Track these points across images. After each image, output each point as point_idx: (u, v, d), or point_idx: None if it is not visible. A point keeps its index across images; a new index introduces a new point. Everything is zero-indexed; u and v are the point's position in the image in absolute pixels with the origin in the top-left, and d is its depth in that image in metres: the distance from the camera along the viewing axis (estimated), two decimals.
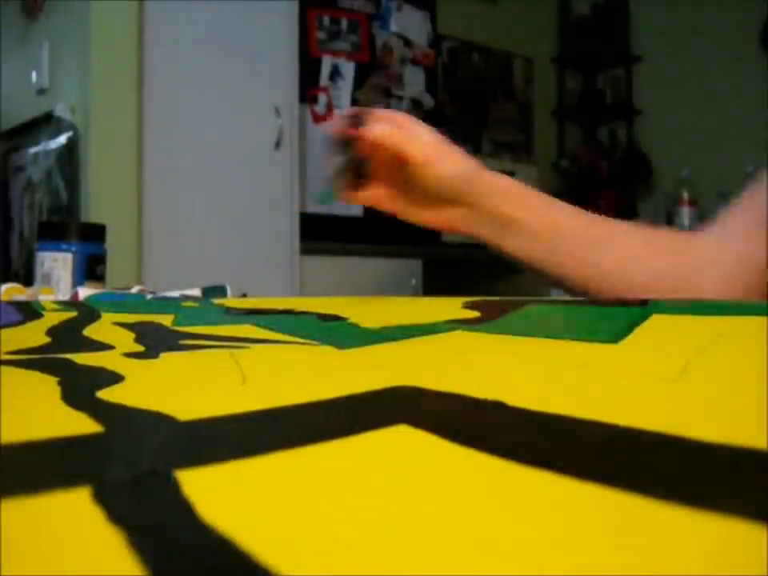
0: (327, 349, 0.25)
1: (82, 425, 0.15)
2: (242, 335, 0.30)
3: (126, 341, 0.29)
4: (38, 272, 0.73)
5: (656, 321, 0.28)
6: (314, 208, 2.39)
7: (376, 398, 0.17)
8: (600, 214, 0.56)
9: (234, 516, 0.10)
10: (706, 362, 0.19)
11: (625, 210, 3.14)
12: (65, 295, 0.68)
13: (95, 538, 0.09)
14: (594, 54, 3.61)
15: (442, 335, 0.28)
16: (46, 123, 2.09)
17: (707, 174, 2.87)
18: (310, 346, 0.26)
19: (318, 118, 2.73)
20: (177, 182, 1.93)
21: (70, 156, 2.00)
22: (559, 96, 3.67)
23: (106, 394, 0.18)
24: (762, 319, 0.25)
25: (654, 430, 0.13)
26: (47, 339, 0.30)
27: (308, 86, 2.63)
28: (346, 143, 0.54)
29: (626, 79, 3.60)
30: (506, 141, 3.41)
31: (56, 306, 0.43)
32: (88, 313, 0.39)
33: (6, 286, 0.63)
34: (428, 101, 3.08)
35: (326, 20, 2.77)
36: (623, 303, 0.33)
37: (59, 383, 0.19)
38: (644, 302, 0.32)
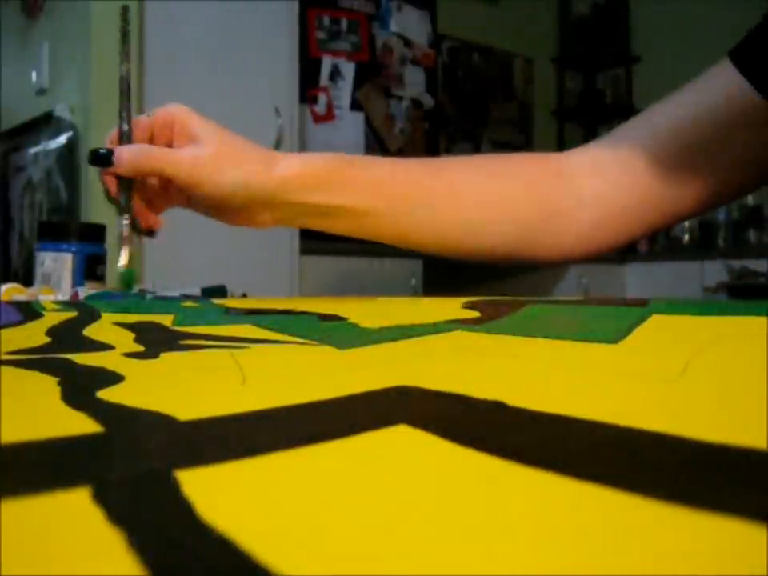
0: (327, 349, 0.26)
1: (82, 425, 0.15)
2: (242, 335, 0.30)
3: (126, 341, 0.29)
4: (38, 272, 0.73)
5: (656, 321, 0.28)
6: None
7: (376, 398, 0.17)
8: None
9: (234, 516, 0.10)
10: (705, 362, 0.19)
11: None
12: (65, 295, 0.68)
13: (95, 538, 0.09)
14: (593, 54, 3.61)
15: (441, 335, 0.28)
16: (46, 123, 2.09)
17: None
18: (310, 346, 0.26)
19: (318, 118, 2.73)
20: None
21: (69, 156, 2.00)
22: (559, 96, 3.67)
23: (106, 394, 0.18)
24: (762, 319, 0.25)
25: (653, 430, 0.13)
26: (47, 339, 0.30)
27: (308, 86, 2.63)
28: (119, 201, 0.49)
29: (626, 79, 3.61)
30: (506, 141, 3.41)
31: (56, 306, 0.43)
32: (88, 313, 0.39)
33: (6, 286, 0.63)
34: (428, 101, 3.08)
35: (326, 20, 2.77)
36: (623, 303, 0.33)
37: (59, 383, 0.19)
38: (644, 302, 0.32)
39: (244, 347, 0.26)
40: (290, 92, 2.25)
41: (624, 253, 3.04)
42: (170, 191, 0.52)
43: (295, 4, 2.27)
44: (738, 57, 0.49)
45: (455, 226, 0.52)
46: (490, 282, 2.77)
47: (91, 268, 0.74)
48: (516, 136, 3.47)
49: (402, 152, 2.96)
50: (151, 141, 0.50)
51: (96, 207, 1.85)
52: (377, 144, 2.91)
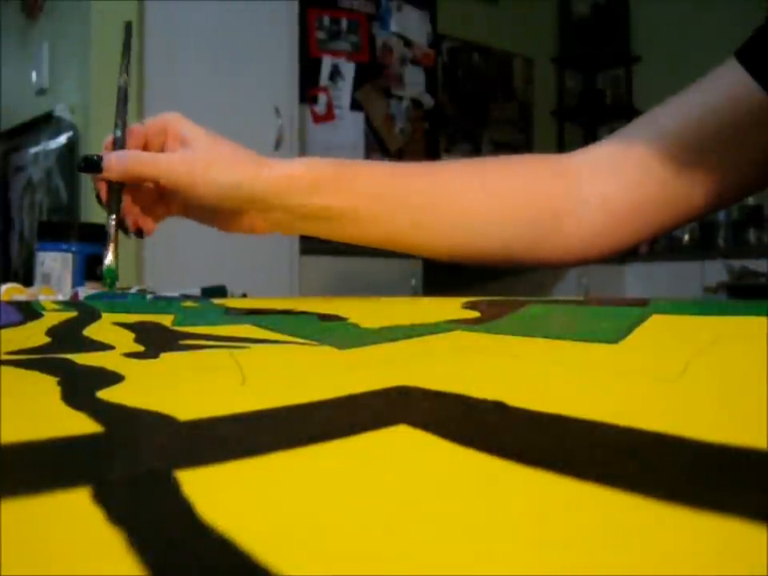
0: (327, 349, 0.26)
1: (82, 425, 0.15)
2: (242, 335, 0.30)
3: (126, 341, 0.29)
4: (38, 272, 0.73)
5: (656, 321, 0.28)
6: None
7: (376, 398, 0.17)
8: None
9: (234, 516, 0.10)
10: (705, 362, 0.19)
11: None
12: (65, 295, 0.68)
13: (95, 538, 0.09)
14: (593, 54, 3.61)
15: (441, 335, 0.28)
16: (46, 123, 2.09)
17: None
18: (310, 346, 0.26)
19: (318, 118, 2.73)
20: None
21: (69, 156, 2.00)
22: (559, 96, 3.67)
23: (106, 394, 0.18)
24: (762, 319, 0.25)
25: (653, 430, 0.13)
26: (47, 339, 0.30)
27: (308, 86, 2.63)
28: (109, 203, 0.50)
29: (626, 79, 3.61)
30: (506, 141, 3.41)
31: (56, 306, 0.43)
32: (88, 313, 0.39)
33: (5, 286, 0.63)
34: (428, 101, 3.08)
35: (326, 20, 2.77)
36: (623, 303, 0.33)
37: (59, 383, 0.19)
38: (644, 302, 0.32)
39: (244, 347, 0.26)
40: (290, 92, 2.25)
41: (624, 253, 3.04)
42: (166, 198, 0.52)
43: (295, 4, 2.27)
44: (746, 56, 0.48)
45: (455, 230, 0.52)
46: (490, 282, 2.77)
47: (91, 268, 0.74)
48: (516, 136, 3.47)
49: (401, 152, 2.96)
50: (145, 148, 0.51)
51: (96, 207, 1.85)
52: (377, 144, 2.91)
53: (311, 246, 2.27)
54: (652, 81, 3.39)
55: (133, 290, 0.65)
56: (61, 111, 2.01)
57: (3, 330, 0.33)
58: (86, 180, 1.92)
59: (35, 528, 0.09)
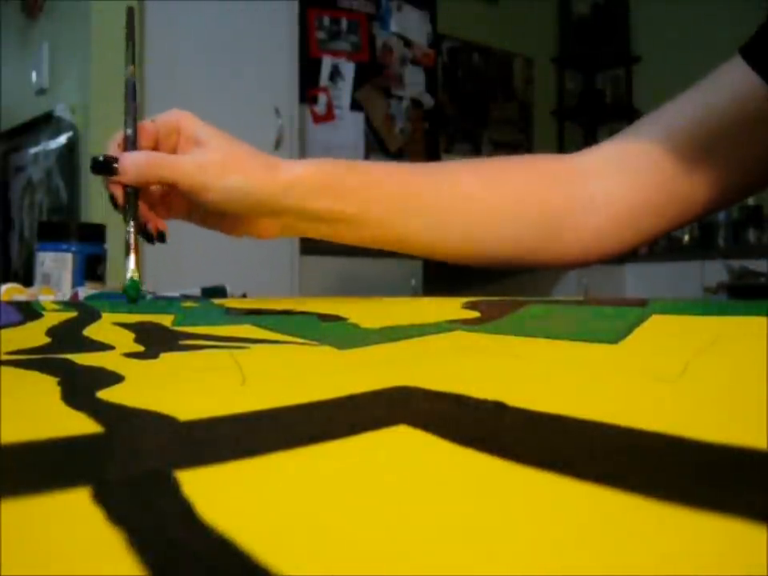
0: (327, 349, 0.26)
1: (82, 425, 0.15)
2: (242, 335, 0.30)
3: (126, 341, 0.29)
4: (38, 272, 0.73)
5: (656, 321, 0.28)
6: None
7: (376, 398, 0.17)
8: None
9: (234, 516, 0.10)
10: (705, 362, 0.19)
11: None
12: (65, 295, 0.68)
13: (95, 538, 0.09)
14: (593, 54, 3.61)
15: (442, 335, 0.28)
16: (46, 123, 2.09)
17: None
18: (310, 346, 0.26)
19: (318, 118, 2.73)
20: None
21: (69, 156, 2.00)
22: (559, 96, 3.67)
23: (106, 394, 0.18)
24: (762, 319, 0.25)
25: (654, 430, 0.13)
26: (47, 339, 0.30)
27: (308, 86, 2.63)
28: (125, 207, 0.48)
29: (626, 79, 3.61)
30: (506, 141, 3.41)
31: (56, 306, 0.43)
32: (88, 313, 0.39)
33: (6, 286, 0.63)
34: (428, 101, 3.08)
35: (326, 20, 2.77)
36: (623, 303, 0.33)
37: (59, 383, 0.19)
38: (644, 302, 0.32)
39: (244, 347, 0.26)
40: (290, 92, 2.25)
41: (625, 253, 3.04)
42: (170, 199, 0.52)
43: (295, 4, 2.27)
44: (750, 53, 0.48)
45: (466, 231, 0.52)
46: (490, 282, 2.77)
47: (91, 268, 0.74)
48: (516, 136, 3.47)
49: (401, 152, 2.96)
50: (156, 147, 0.50)
51: (96, 207, 1.85)
52: (377, 144, 2.91)
53: (311, 246, 2.27)
54: (652, 81, 3.40)
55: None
56: (61, 111, 2.01)
57: (3, 330, 0.33)
58: (86, 180, 1.92)
59: (35, 528, 0.09)
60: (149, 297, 0.59)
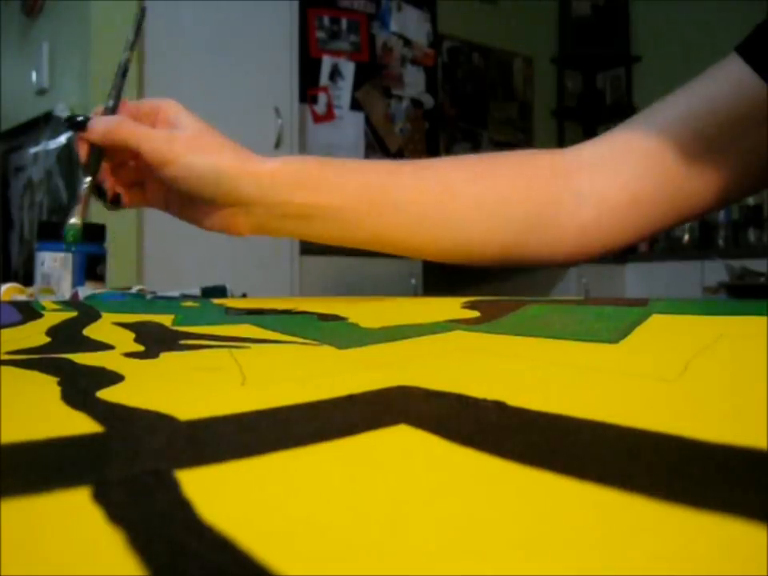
0: (327, 349, 0.25)
1: (82, 425, 0.15)
2: (242, 335, 0.30)
3: (126, 341, 0.29)
4: (38, 272, 0.73)
5: (656, 321, 0.28)
6: None
7: (376, 398, 0.17)
8: None
9: (234, 516, 0.10)
10: (705, 362, 0.19)
11: None
12: (65, 295, 0.68)
13: (95, 538, 0.09)
14: (594, 54, 3.61)
15: (441, 335, 0.28)
16: (46, 123, 2.09)
17: None
18: (310, 346, 0.26)
19: (318, 118, 2.73)
20: None
21: (69, 156, 2.00)
22: (559, 96, 3.67)
23: (105, 394, 0.18)
24: (761, 319, 0.25)
25: (653, 430, 0.13)
26: (47, 339, 0.30)
27: (308, 86, 2.63)
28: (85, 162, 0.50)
29: (626, 79, 3.61)
30: (506, 141, 3.41)
31: (56, 306, 0.43)
32: (88, 313, 0.39)
33: (6, 286, 0.63)
34: (428, 101, 3.08)
35: (326, 20, 2.76)
36: (623, 303, 0.33)
37: (59, 383, 0.19)
38: (644, 302, 0.32)
39: (244, 347, 0.26)
40: (290, 92, 2.25)
41: (624, 253, 3.04)
42: (145, 182, 0.51)
43: (295, 4, 2.27)
44: (747, 51, 0.48)
45: (444, 229, 0.50)
46: (490, 282, 2.77)
47: (91, 268, 0.74)
48: (516, 136, 3.47)
49: (401, 152, 2.96)
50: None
51: (96, 207, 1.85)
52: (377, 144, 2.91)
53: (311, 245, 2.27)
54: (652, 81, 3.40)
55: (133, 290, 0.65)
56: (61, 111, 2.01)
57: (3, 330, 0.33)
58: None
59: (35, 528, 0.09)
60: (149, 297, 0.59)
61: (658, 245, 3.11)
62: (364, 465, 0.12)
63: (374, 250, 0.52)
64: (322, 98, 2.74)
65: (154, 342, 0.28)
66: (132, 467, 0.12)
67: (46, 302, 0.49)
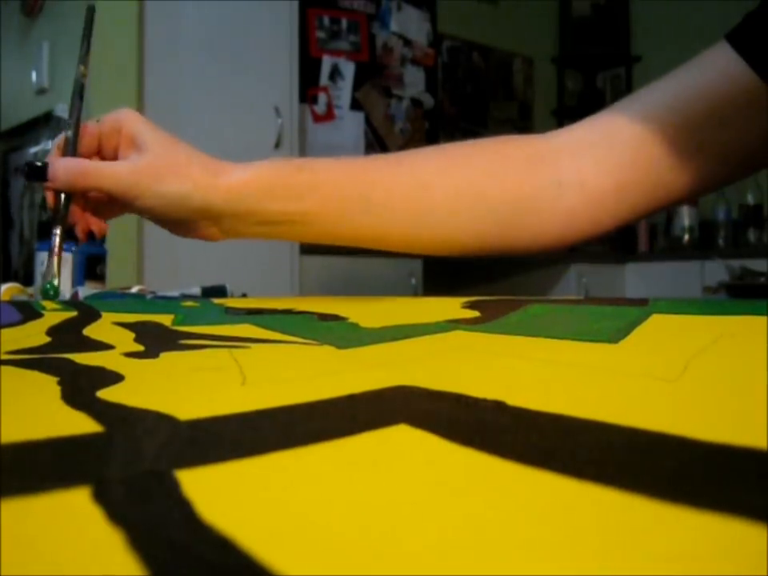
0: (327, 349, 0.25)
1: (82, 425, 0.15)
2: (242, 335, 0.30)
3: (126, 340, 0.29)
4: (38, 272, 0.73)
5: (656, 321, 0.28)
6: None
7: (376, 398, 0.17)
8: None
9: (234, 516, 0.10)
10: (705, 362, 0.19)
11: None
12: (65, 295, 0.68)
13: (95, 538, 0.09)
14: (594, 54, 3.61)
15: (441, 335, 0.28)
16: (46, 123, 2.09)
17: None
18: (310, 346, 0.26)
19: (318, 118, 2.73)
20: None
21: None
22: (559, 96, 3.67)
23: (105, 394, 0.18)
24: (761, 319, 0.25)
25: (654, 430, 0.13)
26: (47, 339, 0.30)
27: (308, 86, 2.63)
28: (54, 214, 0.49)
29: (626, 79, 3.61)
30: None
31: (56, 306, 0.43)
32: (88, 313, 0.39)
33: (6, 286, 0.63)
34: (428, 101, 3.08)
35: (326, 20, 2.76)
36: (623, 303, 0.33)
37: (59, 383, 0.19)
38: (644, 302, 0.32)
39: (244, 347, 0.26)
40: (290, 92, 2.25)
41: (624, 253, 3.04)
42: (115, 201, 0.50)
43: (295, 4, 2.27)
44: (737, 39, 0.48)
45: (419, 222, 0.50)
46: (490, 281, 2.77)
47: (91, 268, 0.74)
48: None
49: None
50: (99, 148, 0.50)
51: None
52: (377, 144, 2.91)
53: (311, 245, 2.27)
54: (652, 81, 3.39)
55: (133, 290, 0.65)
56: (61, 111, 2.01)
57: (3, 330, 0.33)
58: None
59: (35, 528, 0.09)
60: (149, 297, 0.59)
61: (657, 245, 3.11)
62: (364, 464, 0.12)
63: (358, 247, 0.52)
64: (322, 97, 2.74)
65: (154, 342, 0.28)
66: (132, 467, 0.12)
67: (46, 301, 0.49)
